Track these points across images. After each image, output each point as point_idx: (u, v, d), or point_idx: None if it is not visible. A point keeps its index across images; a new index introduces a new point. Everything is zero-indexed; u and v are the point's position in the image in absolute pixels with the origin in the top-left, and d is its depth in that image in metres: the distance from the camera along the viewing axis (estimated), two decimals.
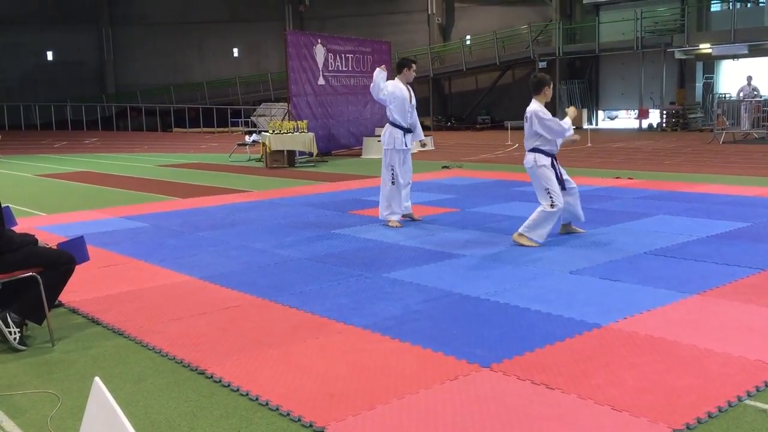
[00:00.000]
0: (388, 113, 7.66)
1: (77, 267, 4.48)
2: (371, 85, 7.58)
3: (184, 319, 4.44)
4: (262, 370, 3.56)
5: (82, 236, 4.75)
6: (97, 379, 2.01)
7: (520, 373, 3.42)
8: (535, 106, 6.36)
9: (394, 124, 7.59)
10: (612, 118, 29.49)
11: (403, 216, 7.79)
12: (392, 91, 7.52)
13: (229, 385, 3.40)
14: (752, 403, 3.04)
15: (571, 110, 6.59)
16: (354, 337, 4.01)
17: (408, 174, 7.73)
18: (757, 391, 3.14)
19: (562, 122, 6.38)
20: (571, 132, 6.47)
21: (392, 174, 7.55)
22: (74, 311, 4.75)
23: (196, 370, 3.63)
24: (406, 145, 7.62)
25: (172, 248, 6.70)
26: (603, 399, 3.10)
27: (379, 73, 7.46)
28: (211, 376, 3.53)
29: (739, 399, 3.06)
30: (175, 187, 11.85)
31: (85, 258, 4.60)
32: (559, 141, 6.48)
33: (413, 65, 7.75)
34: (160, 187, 12.01)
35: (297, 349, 3.85)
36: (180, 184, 12.34)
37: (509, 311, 4.41)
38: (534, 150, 6.41)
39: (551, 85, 6.50)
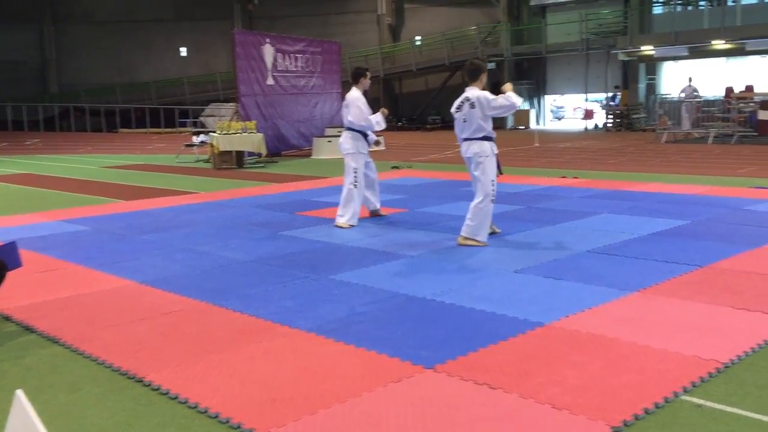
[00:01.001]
0: (347, 122, 7.70)
1: (11, 273, 4.32)
2: (366, 121, 7.60)
3: (123, 326, 4.32)
4: (203, 376, 3.49)
5: (14, 241, 4.58)
6: (18, 392, 1.93)
7: (464, 373, 3.43)
8: (478, 92, 6.28)
9: (356, 130, 7.67)
10: (559, 119, 30.00)
11: (372, 213, 8.08)
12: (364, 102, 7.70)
13: (167, 393, 3.32)
14: (688, 398, 3.10)
15: (507, 85, 6.51)
16: (298, 341, 3.96)
17: (375, 172, 8.01)
18: (693, 386, 3.21)
19: (508, 96, 6.26)
20: (520, 100, 6.47)
21: (355, 177, 7.60)
22: (7, 318, 4.57)
23: (134, 378, 3.53)
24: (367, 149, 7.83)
25: (114, 252, 6.53)
26: (544, 398, 3.12)
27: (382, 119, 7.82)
28: (149, 384, 3.43)
29: (676, 395, 3.12)
30: (119, 189, 11.58)
31: (17, 264, 4.43)
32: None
33: (368, 73, 7.96)
34: (104, 189, 11.72)
35: (239, 354, 3.78)
36: (124, 186, 12.06)
37: (454, 311, 4.42)
38: (485, 138, 6.32)
39: (487, 72, 6.53)
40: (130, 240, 7.10)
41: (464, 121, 6.36)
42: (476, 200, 6.42)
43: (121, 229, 7.69)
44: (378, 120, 7.74)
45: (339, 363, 3.61)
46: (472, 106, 6.27)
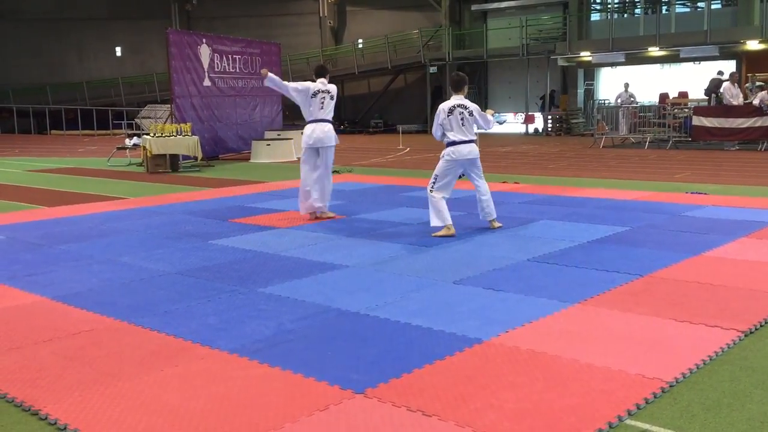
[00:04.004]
0: (327, 114, 7.92)
1: None
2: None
3: (24, 348, 3.91)
4: (107, 407, 3.13)
5: None
6: None
7: (396, 398, 3.17)
8: (472, 104, 6.97)
9: None
10: (500, 123, 30.19)
11: (316, 216, 8.14)
12: None
13: (65, 428, 2.96)
14: (632, 422, 2.91)
15: (488, 112, 7.35)
16: (218, 364, 3.64)
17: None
18: (638, 408, 3.02)
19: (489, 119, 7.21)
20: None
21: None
22: None
23: (29, 410, 3.15)
24: None
25: (26, 264, 6.05)
26: (482, 425, 2.89)
27: None
28: (46, 418, 3.06)
29: (620, 419, 2.93)
30: (41, 195, 10.95)
31: None
32: None
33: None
34: (24, 194, 11.07)
35: (151, 380, 3.43)
36: (48, 191, 11.43)
37: (388, 327, 4.16)
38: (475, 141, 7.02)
39: (468, 84, 7.20)
40: (45, 250, 6.61)
41: (462, 125, 6.87)
42: (484, 189, 7.12)
43: (37, 239, 7.18)
44: None
45: (261, 389, 3.30)
46: (471, 113, 6.91)
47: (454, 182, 7.04)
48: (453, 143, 6.93)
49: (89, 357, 3.77)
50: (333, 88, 8.00)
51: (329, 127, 7.92)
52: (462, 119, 6.87)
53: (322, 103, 7.83)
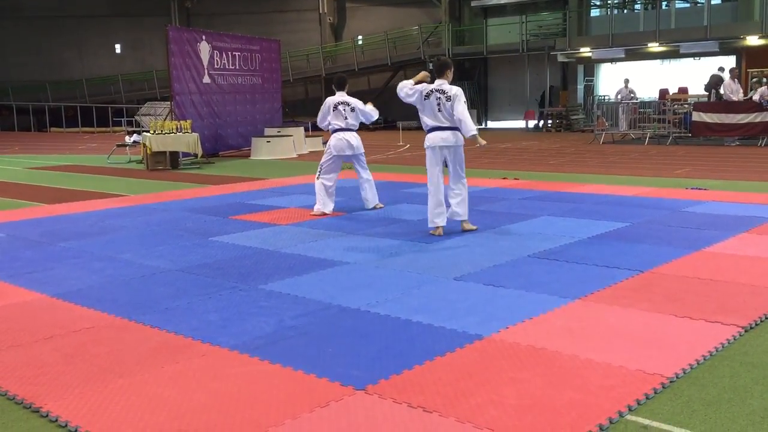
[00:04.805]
0: (352, 124, 8.29)
1: None
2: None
3: (25, 346, 3.92)
4: (108, 404, 3.14)
5: None
6: None
7: (397, 395, 3.17)
8: (455, 89, 6.62)
9: None
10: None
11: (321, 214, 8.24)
12: None
13: (66, 425, 2.96)
14: (633, 418, 2.91)
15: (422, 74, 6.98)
16: (218, 361, 3.64)
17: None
18: (638, 404, 3.02)
19: (471, 126, 6.63)
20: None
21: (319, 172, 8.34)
22: None
23: (30, 407, 3.15)
24: None
25: (26, 261, 6.05)
26: (482, 421, 2.89)
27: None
28: (47, 415, 3.07)
29: (620, 414, 2.93)
30: (41, 192, 10.95)
31: None
32: None
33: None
34: (25, 191, 11.07)
35: (152, 377, 3.44)
36: (48, 189, 11.43)
37: (389, 324, 4.16)
38: (458, 129, 6.63)
39: (452, 69, 6.89)
40: (46, 247, 6.62)
41: (438, 111, 6.61)
42: (459, 187, 6.76)
43: (38, 236, 7.18)
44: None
45: (261, 386, 3.30)
46: (448, 99, 6.59)
47: (441, 170, 6.73)
48: (428, 130, 6.69)
49: (90, 354, 3.77)
50: (353, 101, 8.30)
51: (352, 135, 8.30)
52: (438, 105, 6.58)
53: (344, 113, 8.24)
